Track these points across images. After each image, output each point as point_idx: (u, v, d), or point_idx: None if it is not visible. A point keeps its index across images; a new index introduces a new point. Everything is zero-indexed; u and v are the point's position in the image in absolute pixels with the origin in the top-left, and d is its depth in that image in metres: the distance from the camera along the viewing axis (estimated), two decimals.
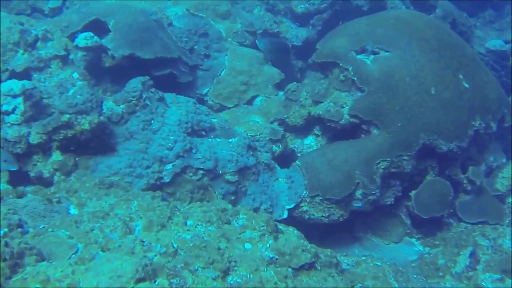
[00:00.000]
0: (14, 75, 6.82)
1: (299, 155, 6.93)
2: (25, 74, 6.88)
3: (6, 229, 4.30)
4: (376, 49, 6.75)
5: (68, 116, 5.59)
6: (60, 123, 5.62)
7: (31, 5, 8.66)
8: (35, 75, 6.86)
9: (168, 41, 7.07)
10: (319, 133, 6.99)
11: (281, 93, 7.40)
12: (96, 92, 5.88)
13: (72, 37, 6.96)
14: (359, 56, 6.75)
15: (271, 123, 6.96)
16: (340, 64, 6.70)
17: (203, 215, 4.94)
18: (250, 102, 7.34)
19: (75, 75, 6.59)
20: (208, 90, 7.31)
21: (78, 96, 5.65)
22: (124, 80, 6.78)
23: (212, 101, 7.26)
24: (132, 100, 5.90)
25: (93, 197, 5.16)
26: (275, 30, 8.17)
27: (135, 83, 5.96)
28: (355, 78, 6.59)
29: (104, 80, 6.90)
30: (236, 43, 7.75)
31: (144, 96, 5.93)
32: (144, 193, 5.36)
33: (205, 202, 5.57)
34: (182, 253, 4.41)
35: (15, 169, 4.84)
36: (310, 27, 8.73)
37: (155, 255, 4.25)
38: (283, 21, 8.67)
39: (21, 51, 7.05)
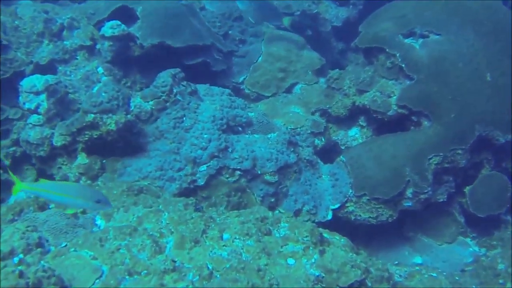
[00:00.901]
0: (38, 68, 6.29)
1: (343, 148, 6.27)
2: (49, 67, 6.34)
3: (21, 255, 3.73)
4: (425, 32, 6.03)
5: (92, 115, 5.03)
6: (84, 124, 5.07)
7: None
8: (60, 68, 6.31)
9: (200, 27, 6.41)
10: (364, 124, 6.31)
11: (322, 79, 6.72)
12: (122, 88, 5.27)
13: (99, 25, 6.36)
14: (406, 40, 6.05)
15: (312, 114, 6.29)
16: (387, 50, 6.00)
17: (240, 227, 4.34)
18: (289, 90, 6.69)
19: (100, 69, 5.99)
20: (245, 78, 6.68)
21: (103, 94, 5.05)
22: (154, 70, 6.20)
23: (249, 89, 6.63)
24: (162, 96, 5.30)
25: (121, 207, 4.57)
26: (314, 11, 7.45)
27: (164, 77, 5.34)
28: (403, 65, 5.89)
29: (133, 71, 6.31)
30: (273, 26, 7.03)
31: (174, 90, 5.32)
32: (176, 201, 4.77)
33: (242, 210, 4.95)
34: (218, 276, 3.81)
35: (110, 209, 4.25)
36: (351, 6, 7.99)
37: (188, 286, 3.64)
38: (322, 0, 7.90)
39: (46, 42, 6.49)
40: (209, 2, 7.01)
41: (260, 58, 6.78)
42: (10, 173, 4.20)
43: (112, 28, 6.04)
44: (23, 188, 3.91)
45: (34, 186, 4.00)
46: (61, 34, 6.70)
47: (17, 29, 6.55)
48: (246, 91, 6.66)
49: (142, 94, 5.39)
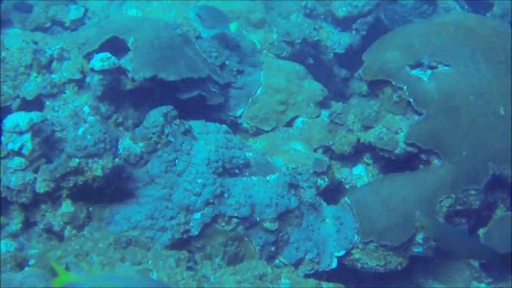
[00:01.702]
0: (25, 103, 5.76)
1: (347, 186, 5.76)
2: (36, 102, 5.82)
3: None
4: (434, 63, 5.54)
5: (77, 160, 4.54)
6: (68, 169, 4.53)
7: (51, 17, 7.58)
8: (48, 103, 5.85)
9: (196, 58, 5.91)
10: (370, 162, 5.82)
11: (324, 112, 6.19)
12: (110, 129, 4.77)
13: (89, 57, 5.82)
14: (414, 72, 5.54)
15: (315, 150, 5.79)
16: (393, 83, 5.52)
17: (237, 287, 3.80)
18: (290, 123, 6.19)
19: (86, 109, 5.48)
20: (243, 112, 6.16)
21: (89, 136, 4.56)
22: (147, 103, 5.75)
23: (248, 123, 6.10)
24: (153, 137, 4.81)
25: (106, 264, 4.04)
26: (315, 39, 6.95)
27: (155, 116, 4.85)
28: (411, 99, 5.40)
29: (124, 105, 5.80)
30: (272, 55, 6.56)
31: (166, 131, 4.83)
32: (167, 255, 4.28)
33: (239, 264, 4.41)
34: None
35: None
36: (354, 32, 7.47)
37: None
38: (323, 26, 7.43)
39: (34, 74, 6.02)
40: (206, 30, 6.50)
41: (259, 89, 6.27)
42: (53, 264, 3.66)
43: (101, 61, 5.54)
44: (70, 281, 3.38)
45: (85, 278, 3.46)
46: (51, 66, 6.21)
47: (4, 61, 6.08)
48: (245, 125, 6.15)
49: (131, 135, 4.90)
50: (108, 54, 5.60)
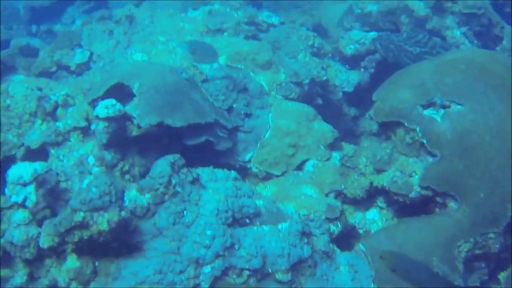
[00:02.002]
0: (29, 152, 5.60)
1: (361, 231, 5.53)
2: (41, 151, 5.65)
3: None
4: (446, 102, 5.36)
5: (82, 214, 4.36)
6: (73, 224, 4.34)
7: (56, 61, 7.48)
8: (52, 151, 5.67)
9: (202, 102, 5.76)
10: (383, 206, 5.62)
11: (335, 154, 6.00)
12: (115, 181, 4.60)
13: (93, 104, 5.68)
14: (426, 112, 5.36)
15: (327, 195, 5.59)
16: (405, 124, 5.33)
17: None
18: (300, 167, 6.01)
19: (91, 159, 5.32)
20: (252, 156, 6.00)
21: (94, 189, 4.39)
22: (154, 149, 5.59)
23: (257, 168, 5.93)
24: (159, 188, 4.63)
25: None
26: (324, 78, 6.79)
27: (162, 166, 4.68)
28: (425, 141, 5.22)
29: (131, 152, 5.64)
30: (280, 96, 6.40)
31: (173, 181, 4.67)
32: None
33: None
34: None
35: None
36: (362, 70, 7.33)
37: None
38: (331, 64, 7.29)
39: (39, 122, 5.89)
40: (212, 73, 6.38)
41: (267, 133, 6.11)
42: None
43: (106, 108, 5.40)
44: None
45: None
46: (55, 113, 6.08)
47: (8, 108, 5.95)
48: (254, 170, 5.97)
49: (137, 186, 4.72)
50: (113, 101, 5.46)
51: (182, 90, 5.72)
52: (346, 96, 7.35)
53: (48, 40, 9.20)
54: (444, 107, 5.40)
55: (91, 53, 7.67)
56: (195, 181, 4.91)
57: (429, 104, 5.44)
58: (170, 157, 4.84)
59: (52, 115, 6.08)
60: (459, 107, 5.35)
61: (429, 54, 6.80)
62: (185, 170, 4.88)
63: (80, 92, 6.34)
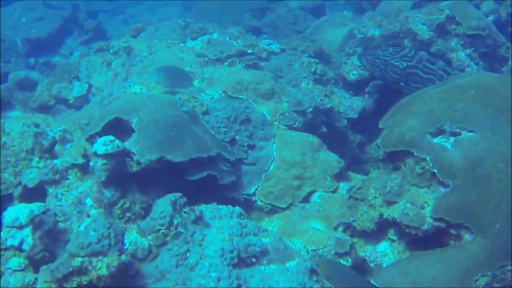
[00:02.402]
0: (26, 190, 5.37)
1: (372, 265, 5.26)
2: (39, 189, 5.42)
3: None
4: (457, 129, 5.12)
5: (80, 259, 4.09)
6: (71, 269, 4.08)
7: (54, 95, 7.29)
8: (50, 190, 5.43)
9: (204, 136, 5.55)
10: (394, 238, 5.36)
11: (342, 184, 5.77)
12: (115, 223, 4.36)
13: (91, 140, 5.47)
14: (436, 140, 5.11)
15: (335, 229, 5.35)
16: (415, 153, 5.06)
17: None
18: (306, 199, 5.77)
19: (88, 202, 5.08)
20: (256, 189, 5.77)
21: (92, 233, 4.16)
22: (155, 185, 5.36)
23: (262, 201, 5.70)
24: (161, 229, 4.39)
25: None
26: (328, 106, 6.58)
27: (163, 206, 4.45)
28: (436, 170, 4.96)
29: (131, 189, 5.41)
30: (284, 126, 6.19)
31: (175, 222, 4.43)
32: None
33: None
34: None
35: None
36: (366, 95, 7.10)
37: None
38: (335, 91, 7.09)
39: (36, 159, 5.67)
40: (213, 104, 6.17)
41: (272, 165, 5.88)
42: None
43: (104, 145, 5.18)
44: None
45: None
46: (53, 149, 5.87)
47: (5, 146, 5.75)
48: (259, 203, 5.74)
49: (138, 228, 4.49)
50: (111, 137, 5.25)
51: (182, 124, 5.51)
52: (351, 122, 7.14)
53: (46, 73, 9.06)
54: (454, 134, 5.17)
55: (90, 86, 7.49)
56: (198, 219, 4.67)
57: (439, 132, 5.20)
58: (171, 196, 4.61)
59: (49, 152, 5.87)
60: (470, 134, 5.11)
61: (415, 68, 6.58)
62: (187, 209, 4.65)
63: (78, 127, 6.16)
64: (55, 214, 5.08)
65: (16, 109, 7.37)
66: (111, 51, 7.65)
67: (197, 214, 4.70)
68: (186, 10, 11.96)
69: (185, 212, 4.63)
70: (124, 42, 7.52)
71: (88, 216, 4.99)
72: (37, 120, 6.23)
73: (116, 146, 5.21)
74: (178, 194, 4.68)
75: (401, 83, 6.66)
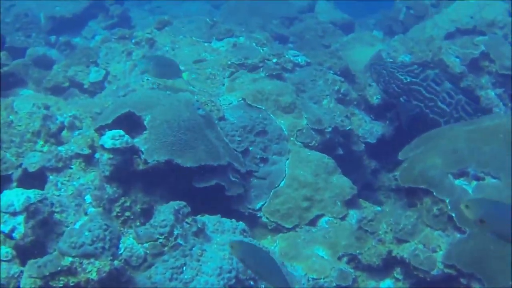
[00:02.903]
0: (26, 174, 5.09)
1: None
2: (39, 175, 5.15)
3: None
4: (481, 173, 4.83)
5: (70, 259, 3.79)
6: (59, 268, 3.80)
7: (70, 77, 7.00)
8: (51, 177, 5.15)
9: (217, 143, 5.26)
10: (400, 277, 5.03)
11: (352, 212, 5.46)
12: (112, 225, 4.07)
13: (100, 131, 5.19)
14: (457, 182, 4.81)
15: (339, 258, 5.06)
16: (434, 193, 4.74)
17: None
18: (313, 222, 5.45)
19: (88, 198, 4.80)
20: (263, 205, 5.48)
21: (86, 233, 3.89)
22: (160, 188, 5.09)
23: (267, 218, 5.41)
24: (160, 239, 4.07)
25: None
26: (347, 128, 6.25)
27: (165, 214, 4.19)
28: (453, 214, 4.68)
29: (135, 187, 5.13)
30: (300, 143, 5.90)
31: (175, 232, 4.17)
32: None
33: None
34: None
35: None
36: (387, 122, 6.78)
37: None
38: (356, 113, 6.79)
39: (41, 143, 5.42)
40: (230, 110, 5.88)
41: (283, 182, 5.58)
42: None
43: (113, 139, 4.92)
44: None
45: None
46: (60, 135, 5.60)
47: (11, 125, 5.49)
48: (264, 219, 5.45)
49: (136, 233, 4.20)
50: (121, 132, 4.98)
51: (197, 128, 5.22)
52: (367, 147, 6.82)
53: (66, 53, 8.81)
54: (477, 178, 4.87)
55: (107, 73, 7.21)
56: (200, 232, 4.39)
57: (461, 174, 4.91)
58: (175, 204, 4.33)
59: (56, 137, 5.62)
60: (494, 180, 4.82)
61: (419, 85, 6.32)
62: (190, 219, 4.38)
63: (89, 115, 5.88)
64: (52, 204, 4.79)
65: (29, 87, 7.10)
66: (133, 41, 7.38)
67: (200, 226, 4.42)
68: (214, 8, 11.66)
69: (187, 222, 4.34)
70: (148, 33, 7.25)
71: (86, 213, 4.70)
72: (48, 102, 5.95)
73: (125, 142, 4.95)
74: (183, 203, 4.40)
75: (401, 98, 6.38)
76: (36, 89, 7.07)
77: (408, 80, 6.31)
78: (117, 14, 9.58)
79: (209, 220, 4.70)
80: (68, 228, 4.39)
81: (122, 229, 4.59)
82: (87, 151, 5.29)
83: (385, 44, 8.76)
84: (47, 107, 5.77)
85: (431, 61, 6.83)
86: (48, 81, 7.33)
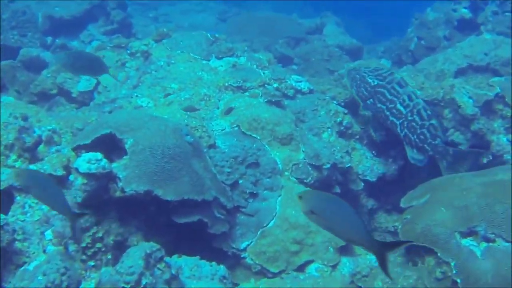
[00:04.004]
0: None
1: None
2: (6, 195, 4.55)
3: None
4: (491, 235, 4.23)
5: None
6: None
7: (58, 84, 6.41)
8: (18, 198, 4.55)
9: (203, 174, 4.67)
10: None
11: (344, 260, 4.86)
12: (72, 267, 3.46)
13: (78, 151, 4.59)
14: (465, 242, 4.22)
15: None
16: (438, 254, 4.12)
17: None
18: (302, 268, 4.88)
19: (48, 234, 4.19)
20: (248, 245, 4.89)
21: (40, 277, 3.29)
22: (137, 219, 4.50)
23: (252, 260, 4.84)
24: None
25: None
26: (347, 166, 5.65)
27: (134, 259, 3.60)
28: (459, 280, 4.09)
29: (109, 217, 4.51)
30: (294, 179, 5.32)
31: (144, 282, 3.50)
32: None
33: None
34: None
35: None
36: (390, 160, 6.17)
37: None
38: (357, 147, 6.20)
39: (14, 157, 4.80)
40: (222, 137, 5.29)
41: (272, 221, 5.01)
42: None
43: (89, 162, 4.33)
44: None
45: None
46: (36, 150, 5.01)
47: None
48: (248, 261, 4.87)
49: (98, 279, 3.58)
50: (99, 156, 4.40)
51: (182, 157, 4.63)
52: (366, 185, 6.21)
53: None
54: (488, 240, 4.27)
55: (98, 83, 6.63)
56: (173, 279, 3.78)
57: (470, 233, 4.30)
58: (147, 247, 3.74)
59: (31, 151, 5.02)
60: (506, 244, 4.21)
61: (384, 87, 5.85)
62: (162, 264, 3.76)
63: (70, 130, 5.29)
64: (14, 231, 4.19)
65: (9, 94, 6.51)
66: (128, 51, 6.79)
67: (173, 272, 3.82)
68: (221, 21, 11.09)
69: (159, 268, 3.74)
70: (145, 45, 6.65)
71: (44, 251, 4.10)
72: (28, 112, 5.39)
73: (101, 167, 4.37)
74: (156, 246, 3.81)
75: (368, 101, 5.96)
76: (19, 96, 6.48)
77: (375, 83, 5.89)
78: (118, 20, 9.00)
79: (186, 263, 4.11)
80: (21, 268, 3.76)
81: (84, 272, 3.97)
82: (61, 173, 4.71)
83: None
84: (25, 118, 5.20)
85: (442, 99, 6.22)
86: (35, 86, 6.76)
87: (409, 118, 5.61)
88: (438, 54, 8.06)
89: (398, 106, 5.70)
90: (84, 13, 8.95)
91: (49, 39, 8.60)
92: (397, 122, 5.72)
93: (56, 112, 6.17)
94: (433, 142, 5.52)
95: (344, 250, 5.06)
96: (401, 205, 4.96)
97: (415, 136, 5.60)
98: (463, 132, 6.11)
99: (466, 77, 7.24)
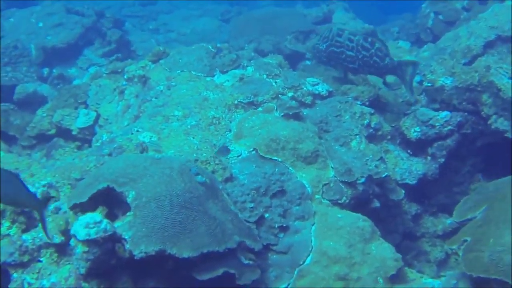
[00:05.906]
0: None
1: None
2: (3, 273, 3.78)
3: None
4: None
5: None
6: None
7: (56, 123, 5.63)
8: (15, 275, 3.75)
9: (222, 217, 3.86)
10: None
11: None
12: None
13: (76, 210, 3.79)
14: None
15: None
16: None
17: None
18: None
19: None
20: None
21: None
22: (154, 278, 3.68)
23: None
24: None
25: None
26: (384, 175, 4.78)
27: None
28: None
29: (121, 281, 3.70)
30: (327, 201, 4.48)
31: None
32: None
33: None
34: None
35: None
36: (429, 158, 5.32)
37: None
38: (390, 149, 5.36)
39: (7, 224, 4.16)
40: (239, 165, 4.45)
41: (309, 257, 4.18)
42: None
43: (87, 227, 3.52)
44: None
45: None
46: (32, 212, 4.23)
47: None
48: None
49: None
50: (97, 217, 3.62)
51: (195, 203, 3.81)
52: (406, 189, 5.35)
53: (59, 87, 7.42)
54: None
55: (98, 115, 5.83)
56: None
57: None
58: None
59: (27, 214, 4.21)
60: None
61: (331, 46, 5.93)
62: None
63: (67, 182, 4.49)
64: None
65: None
66: (125, 77, 5.95)
67: None
68: (224, 22, 10.20)
69: None
70: (141, 68, 5.80)
71: None
72: (19, 166, 4.60)
73: (102, 230, 3.59)
74: None
75: (330, 64, 6.14)
76: (7, 149, 5.70)
77: (325, 47, 6.01)
78: (115, 39, 8.18)
79: None
80: None
81: None
82: (59, 240, 3.90)
83: (412, 56, 7.26)
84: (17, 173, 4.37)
85: (479, 84, 5.29)
86: (31, 129, 6.02)
87: (360, 56, 5.68)
88: (459, 28, 7.09)
89: (348, 52, 5.76)
90: (78, 38, 8.14)
91: (45, 71, 7.82)
92: (356, 66, 5.78)
93: (56, 156, 5.40)
94: (383, 63, 5.61)
95: (396, 279, 4.21)
96: (455, 219, 4.11)
97: (372, 68, 5.72)
98: (507, 118, 5.17)
99: (496, 50, 6.30)
